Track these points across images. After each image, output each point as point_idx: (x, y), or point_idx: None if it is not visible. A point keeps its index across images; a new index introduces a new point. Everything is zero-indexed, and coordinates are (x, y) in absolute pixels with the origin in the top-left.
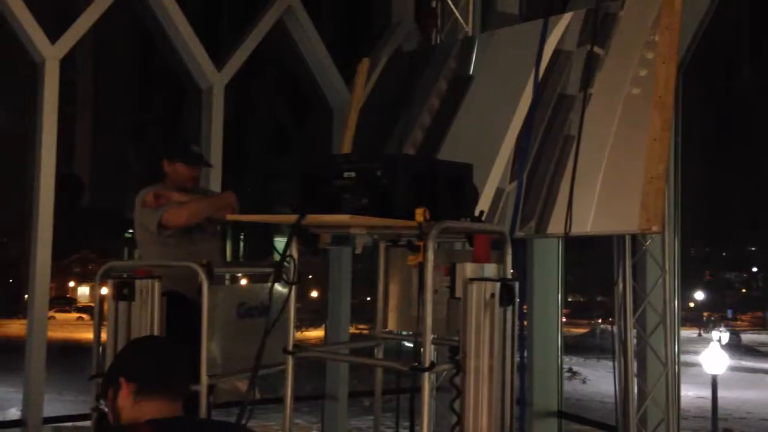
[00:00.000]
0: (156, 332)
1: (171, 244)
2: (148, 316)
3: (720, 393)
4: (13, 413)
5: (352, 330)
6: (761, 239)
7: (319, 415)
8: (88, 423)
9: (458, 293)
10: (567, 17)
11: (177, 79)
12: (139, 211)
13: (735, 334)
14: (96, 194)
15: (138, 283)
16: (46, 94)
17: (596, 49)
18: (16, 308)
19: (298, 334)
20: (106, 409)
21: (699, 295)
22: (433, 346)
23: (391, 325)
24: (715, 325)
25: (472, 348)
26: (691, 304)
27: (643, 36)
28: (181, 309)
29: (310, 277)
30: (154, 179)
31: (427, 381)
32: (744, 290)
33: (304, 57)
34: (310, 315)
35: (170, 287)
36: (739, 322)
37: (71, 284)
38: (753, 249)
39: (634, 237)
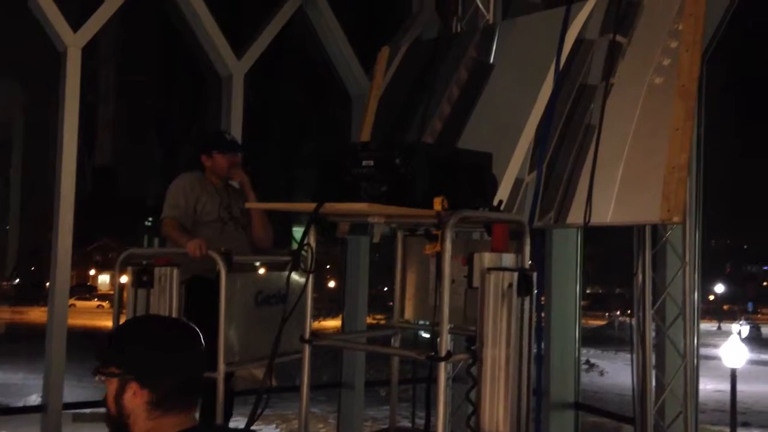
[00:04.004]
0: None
1: (199, 234)
2: (167, 303)
3: (739, 386)
4: (34, 399)
5: (369, 320)
6: None
7: (335, 404)
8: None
9: (476, 283)
10: (590, 5)
11: (198, 67)
12: (166, 195)
13: (755, 327)
14: (117, 182)
15: (157, 270)
16: (68, 82)
17: (619, 38)
18: (38, 295)
19: (315, 324)
20: (103, 383)
21: (719, 288)
22: (449, 336)
23: (408, 314)
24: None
25: (489, 338)
26: (711, 297)
27: (667, 25)
28: (205, 291)
29: (328, 267)
30: (174, 168)
31: (443, 370)
32: (765, 283)
33: (324, 45)
34: (328, 305)
35: (194, 272)
36: (759, 316)
37: (92, 272)
38: None
39: (654, 228)
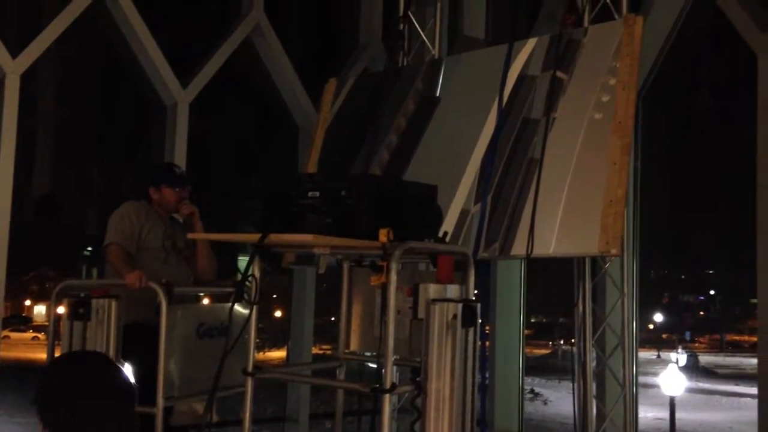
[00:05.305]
0: (111, 353)
1: (141, 262)
2: (104, 337)
3: (678, 414)
4: None
5: (316, 350)
6: (719, 263)
7: None
8: None
9: (421, 314)
10: (531, 43)
11: (142, 95)
12: (110, 221)
13: (693, 356)
14: (56, 211)
15: (94, 302)
16: (5, 109)
17: (560, 74)
18: None
19: (260, 355)
20: None
21: (658, 317)
22: (395, 368)
23: (354, 345)
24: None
25: (433, 369)
26: (651, 326)
27: (606, 62)
28: (142, 340)
29: (275, 296)
30: (115, 197)
31: (387, 403)
32: (702, 312)
33: (272, 76)
34: (274, 335)
35: (133, 318)
36: (696, 344)
37: (27, 303)
38: (711, 272)
39: (594, 259)
